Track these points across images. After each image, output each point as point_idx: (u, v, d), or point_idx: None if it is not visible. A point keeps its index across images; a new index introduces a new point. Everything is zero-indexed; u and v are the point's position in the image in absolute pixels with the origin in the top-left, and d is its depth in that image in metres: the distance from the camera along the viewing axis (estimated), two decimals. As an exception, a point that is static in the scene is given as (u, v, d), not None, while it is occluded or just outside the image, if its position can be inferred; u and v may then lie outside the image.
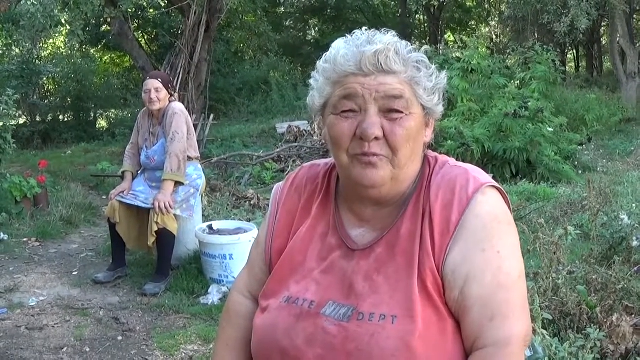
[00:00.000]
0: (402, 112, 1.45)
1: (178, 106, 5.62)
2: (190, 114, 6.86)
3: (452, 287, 1.41)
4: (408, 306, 1.38)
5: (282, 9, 27.04)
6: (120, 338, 4.60)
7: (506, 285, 1.39)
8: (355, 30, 1.54)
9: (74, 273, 6.04)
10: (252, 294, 1.72)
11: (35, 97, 18.83)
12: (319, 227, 1.60)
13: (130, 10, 13.68)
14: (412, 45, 1.57)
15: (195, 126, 10.51)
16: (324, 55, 1.54)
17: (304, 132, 12.71)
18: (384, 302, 1.41)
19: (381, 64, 1.44)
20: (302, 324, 1.46)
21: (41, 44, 17.02)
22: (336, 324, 1.42)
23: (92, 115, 20.31)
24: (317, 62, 1.56)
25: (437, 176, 1.50)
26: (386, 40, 1.47)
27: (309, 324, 1.45)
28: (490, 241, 1.41)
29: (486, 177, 1.50)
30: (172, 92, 5.73)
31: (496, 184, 1.50)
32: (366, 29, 1.54)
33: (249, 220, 6.67)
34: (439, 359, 1.37)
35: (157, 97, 5.55)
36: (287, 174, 8.43)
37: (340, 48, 1.50)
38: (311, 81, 1.57)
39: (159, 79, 5.63)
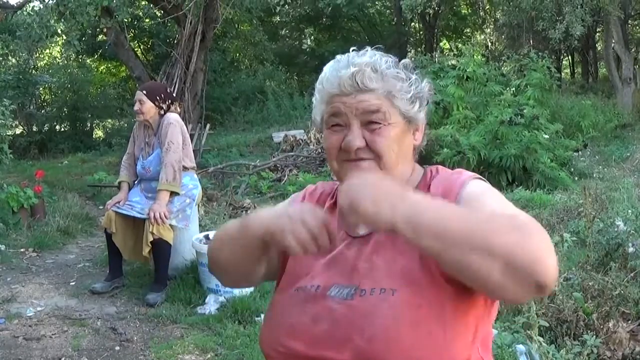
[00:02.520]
0: (380, 123, 1.61)
1: (173, 116, 5.60)
2: (186, 124, 6.86)
3: None
4: (407, 282, 1.48)
5: (278, 18, 27.02)
6: (117, 348, 4.60)
7: (514, 208, 1.50)
8: (341, 55, 1.69)
9: (71, 283, 6.04)
10: None
11: (31, 107, 18.83)
12: None
13: (126, 20, 13.69)
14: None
15: (192, 136, 10.51)
16: (320, 76, 1.70)
17: (300, 141, 12.73)
18: (383, 278, 1.51)
19: (358, 84, 1.60)
20: (309, 305, 1.57)
21: (37, 54, 17.05)
22: (340, 303, 1.53)
23: (89, 125, 20.31)
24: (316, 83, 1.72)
25: (436, 178, 1.67)
26: (363, 61, 1.63)
27: (315, 305, 1.56)
28: (489, 193, 1.56)
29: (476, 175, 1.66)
30: (160, 105, 5.62)
31: (483, 179, 1.66)
32: (354, 49, 1.69)
33: (245, 230, 6.67)
34: (440, 328, 1.44)
35: (140, 109, 5.55)
36: (283, 183, 8.45)
37: (327, 70, 1.68)
38: (313, 99, 1.74)
39: (144, 91, 5.61)
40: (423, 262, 1.50)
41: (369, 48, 1.69)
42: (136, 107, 5.56)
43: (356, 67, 1.61)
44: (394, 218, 1.30)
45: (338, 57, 1.69)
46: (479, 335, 1.52)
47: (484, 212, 1.44)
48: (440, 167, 1.74)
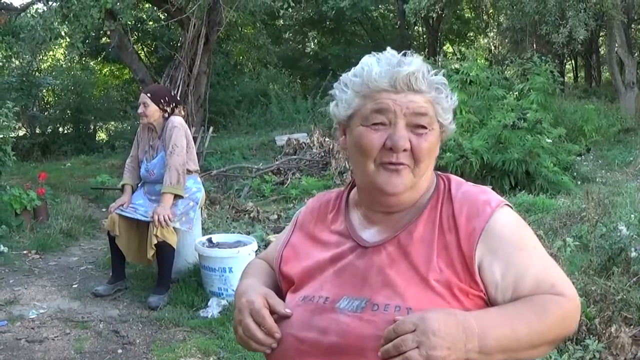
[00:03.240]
0: (426, 128, 1.60)
1: (177, 119, 5.60)
2: (189, 127, 6.85)
3: (502, 291, 1.54)
4: (423, 300, 1.48)
5: (281, 21, 26.98)
6: (120, 351, 4.60)
7: (554, 265, 1.59)
8: (386, 50, 1.67)
9: (73, 286, 6.04)
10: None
11: (34, 109, 18.81)
12: (332, 237, 1.72)
13: (129, 23, 13.69)
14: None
15: (195, 139, 10.51)
16: (353, 69, 1.67)
17: (303, 144, 12.71)
18: (397, 295, 1.51)
19: (412, 84, 1.59)
20: (317, 317, 1.55)
21: (41, 56, 17.06)
22: (350, 315, 1.51)
23: (92, 127, 20.34)
24: (343, 75, 1.68)
25: (457, 192, 1.64)
26: (417, 62, 1.62)
27: (323, 317, 1.54)
28: (523, 241, 1.58)
29: (501, 198, 1.66)
30: (165, 108, 5.62)
31: (510, 205, 1.67)
32: (388, 52, 1.66)
33: (248, 233, 6.68)
34: None
35: (144, 111, 5.56)
36: (286, 187, 8.44)
37: (374, 65, 1.62)
38: (335, 92, 1.69)
39: (148, 94, 5.61)
40: (449, 287, 1.51)
41: (407, 53, 1.67)
42: (140, 109, 5.56)
43: (412, 66, 1.59)
44: (468, 354, 1.38)
45: (386, 53, 1.66)
46: None
47: (532, 298, 1.51)
48: (453, 176, 1.72)
